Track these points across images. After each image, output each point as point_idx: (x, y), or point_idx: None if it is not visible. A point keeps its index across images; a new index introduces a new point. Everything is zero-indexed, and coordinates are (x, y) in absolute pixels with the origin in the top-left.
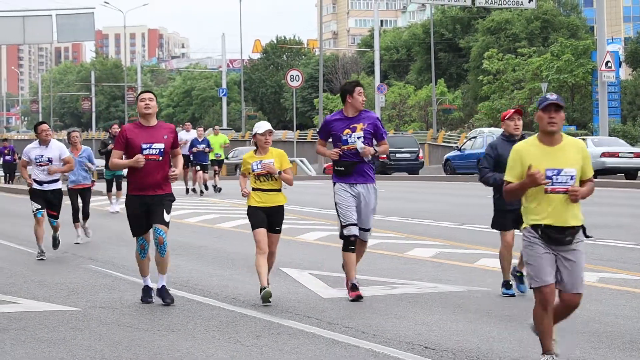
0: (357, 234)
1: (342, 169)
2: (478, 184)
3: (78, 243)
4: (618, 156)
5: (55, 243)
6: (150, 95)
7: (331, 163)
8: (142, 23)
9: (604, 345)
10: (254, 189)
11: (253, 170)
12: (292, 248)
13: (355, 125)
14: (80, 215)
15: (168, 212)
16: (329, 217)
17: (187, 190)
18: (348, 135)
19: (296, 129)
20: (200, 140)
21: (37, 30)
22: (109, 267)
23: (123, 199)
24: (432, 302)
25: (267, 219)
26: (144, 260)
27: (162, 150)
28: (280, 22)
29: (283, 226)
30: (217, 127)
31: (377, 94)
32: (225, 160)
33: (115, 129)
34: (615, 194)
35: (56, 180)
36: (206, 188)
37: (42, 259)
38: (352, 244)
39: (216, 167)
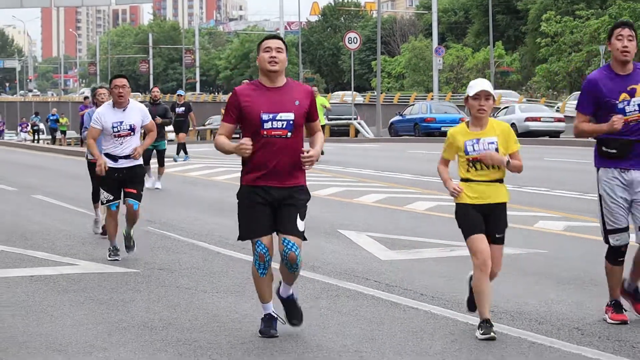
0: (628, 243)
1: (614, 151)
2: (538, 148)
3: (98, 232)
4: (540, 120)
5: (130, 243)
6: (278, 43)
7: None
8: None
9: None
10: (463, 180)
11: (467, 153)
12: (350, 210)
13: (634, 86)
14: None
15: (302, 218)
16: (386, 179)
17: None
18: (626, 103)
19: (354, 92)
20: None
21: None
22: (167, 229)
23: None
24: None
25: (485, 223)
26: (263, 279)
27: (291, 122)
28: None
29: (341, 189)
30: (315, 88)
31: (434, 57)
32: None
33: (156, 92)
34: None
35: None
36: None
37: (116, 259)
38: (622, 255)
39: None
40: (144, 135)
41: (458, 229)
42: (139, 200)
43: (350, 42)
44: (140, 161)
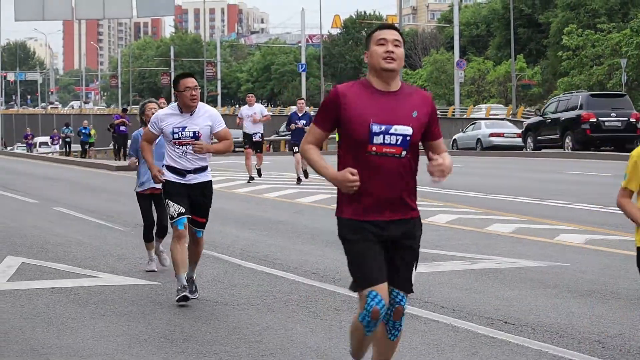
0: None
1: None
2: (557, 159)
3: (153, 270)
4: (503, 136)
5: (193, 288)
6: (395, 35)
7: None
8: None
9: None
10: None
11: None
12: None
13: None
14: (155, 232)
15: (416, 266)
16: None
17: (251, 178)
18: None
19: None
20: (300, 114)
21: (116, 5)
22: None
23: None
24: (512, 277)
25: None
26: (368, 338)
27: (407, 138)
28: None
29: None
30: None
31: (456, 70)
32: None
33: (162, 103)
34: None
35: (204, 168)
36: (305, 175)
37: (183, 305)
38: None
39: None
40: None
41: (479, 241)
42: (204, 228)
43: None
44: (210, 176)
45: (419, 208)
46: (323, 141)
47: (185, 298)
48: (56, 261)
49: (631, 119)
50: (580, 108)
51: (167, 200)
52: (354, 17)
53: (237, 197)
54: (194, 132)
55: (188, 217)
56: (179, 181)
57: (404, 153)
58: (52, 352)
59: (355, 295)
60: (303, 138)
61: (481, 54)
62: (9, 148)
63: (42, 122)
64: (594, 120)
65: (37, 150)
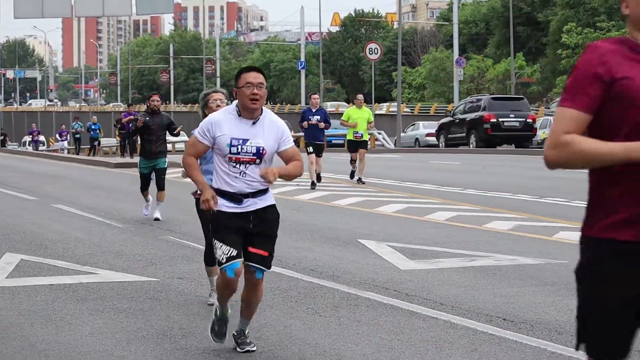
0: None
1: None
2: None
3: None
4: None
5: (247, 339)
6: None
7: None
8: None
9: None
10: None
11: None
12: (370, 220)
13: None
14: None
15: None
16: (406, 189)
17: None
18: None
19: (374, 102)
20: (314, 110)
21: (115, 3)
22: (187, 239)
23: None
24: (511, 274)
25: None
26: None
27: None
28: None
29: (361, 198)
30: (360, 97)
31: (455, 68)
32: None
33: (156, 100)
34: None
35: (265, 190)
36: (318, 179)
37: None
38: None
39: (360, 150)
40: None
41: (478, 239)
42: (268, 267)
43: (371, 52)
44: (272, 200)
45: (416, 205)
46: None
47: (244, 342)
48: (55, 258)
49: (528, 120)
50: (483, 110)
51: (214, 238)
52: (353, 15)
53: None
54: (258, 149)
55: (240, 262)
56: (234, 209)
57: None
58: (51, 348)
59: (354, 292)
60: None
61: (480, 52)
62: (9, 145)
63: (41, 120)
64: (494, 120)
65: (53, 145)
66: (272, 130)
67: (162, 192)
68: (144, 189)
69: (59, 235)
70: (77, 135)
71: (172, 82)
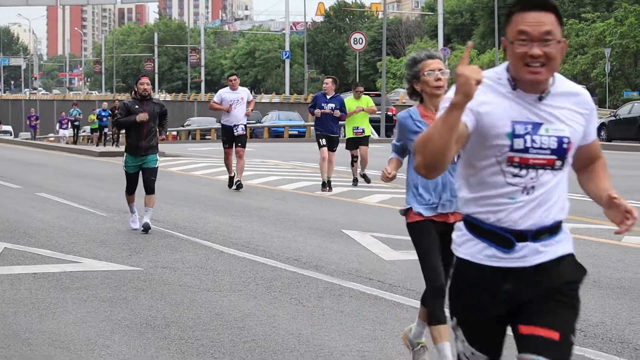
0: None
1: None
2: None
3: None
4: None
5: None
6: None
7: None
8: None
9: None
10: None
11: None
12: (354, 210)
13: None
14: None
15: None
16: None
17: (231, 182)
18: None
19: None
20: (329, 97)
21: None
22: (170, 228)
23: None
24: None
25: None
26: None
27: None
28: None
29: (345, 189)
30: (360, 86)
31: None
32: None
33: (146, 84)
34: None
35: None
36: (328, 185)
37: None
38: None
39: (361, 147)
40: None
41: None
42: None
43: (355, 42)
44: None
45: (400, 196)
46: None
47: None
48: (39, 246)
49: (388, 113)
50: None
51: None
52: (337, 5)
53: (220, 183)
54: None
55: None
56: (502, 264)
57: None
58: (34, 337)
59: (337, 282)
60: None
61: (465, 42)
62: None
63: (25, 108)
64: None
65: (58, 132)
66: None
67: (151, 197)
68: (130, 191)
69: (43, 224)
70: (76, 123)
71: (156, 70)
